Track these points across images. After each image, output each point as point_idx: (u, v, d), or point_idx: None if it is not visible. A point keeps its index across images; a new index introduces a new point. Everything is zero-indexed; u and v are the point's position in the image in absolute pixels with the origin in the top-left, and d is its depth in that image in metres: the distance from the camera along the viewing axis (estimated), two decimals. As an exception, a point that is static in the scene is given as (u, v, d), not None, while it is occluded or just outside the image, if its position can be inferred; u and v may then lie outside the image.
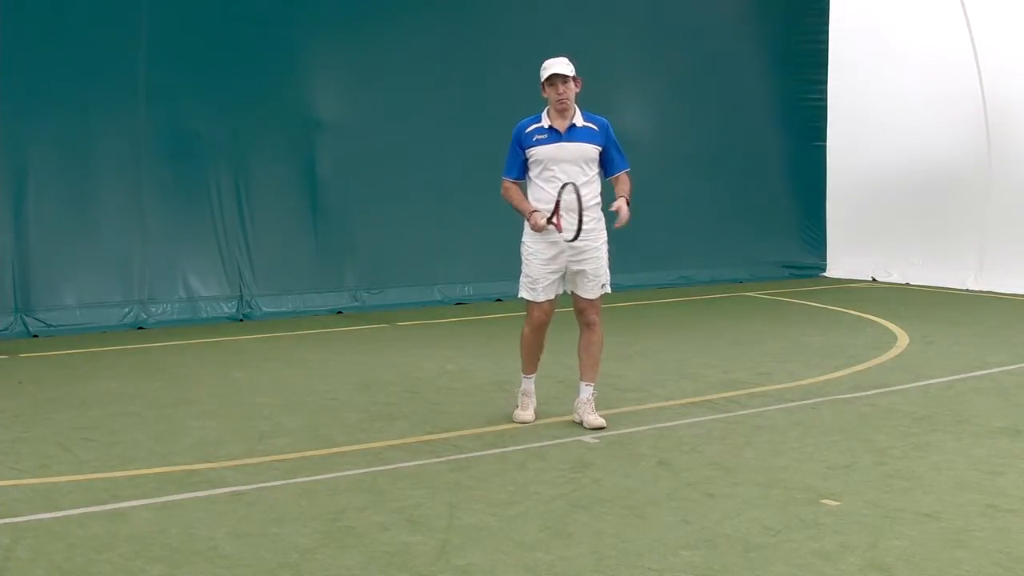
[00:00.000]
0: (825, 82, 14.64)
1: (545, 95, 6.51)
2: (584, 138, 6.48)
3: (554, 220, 6.37)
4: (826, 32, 14.59)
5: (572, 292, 6.63)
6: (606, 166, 6.60)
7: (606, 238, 6.63)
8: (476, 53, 12.37)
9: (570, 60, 6.52)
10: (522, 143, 6.51)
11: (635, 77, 13.69)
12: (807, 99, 14.71)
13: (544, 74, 6.45)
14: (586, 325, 6.65)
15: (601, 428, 6.51)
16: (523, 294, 6.63)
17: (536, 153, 6.47)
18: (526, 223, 6.53)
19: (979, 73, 13.02)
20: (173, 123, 10.84)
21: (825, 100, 14.67)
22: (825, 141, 14.73)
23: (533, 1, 12.94)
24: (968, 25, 12.99)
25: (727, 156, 14.33)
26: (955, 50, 13.15)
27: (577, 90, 6.50)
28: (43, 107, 10.15)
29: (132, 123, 10.61)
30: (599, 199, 6.55)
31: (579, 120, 6.50)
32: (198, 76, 10.86)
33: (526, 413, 6.70)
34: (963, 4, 12.97)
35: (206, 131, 10.98)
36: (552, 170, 6.44)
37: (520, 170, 6.57)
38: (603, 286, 6.62)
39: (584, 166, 6.47)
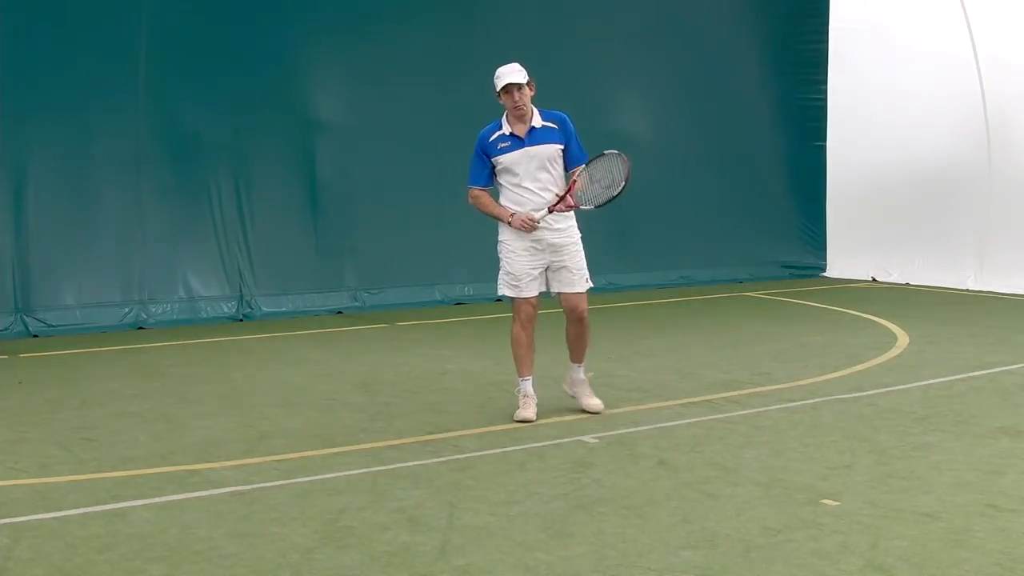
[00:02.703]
0: (825, 82, 14.65)
1: (502, 102, 6.67)
2: (545, 139, 6.67)
3: (558, 205, 6.54)
4: (826, 32, 14.60)
5: (558, 293, 6.79)
6: (566, 160, 6.76)
7: (579, 234, 6.82)
8: (476, 54, 12.33)
9: (521, 65, 6.67)
10: (488, 152, 6.70)
11: (635, 77, 13.68)
12: (807, 99, 14.72)
13: (498, 84, 6.62)
14: (577, 320, 6.81)
15: (599, 412, 6.80)
16: (504, 292, 6.82)
17: (502, 161, 6.67)
18: (501, 224, 6.73)
19: (979, 73, 13.01)
20: (173, 123, 10.85)
21: (825, 100, 14.69)
22: (825, 141, 14.74)
23: (534, 2, 12.94)
24: (968, 25, 12.99)
25: (727, 156, 14.34)
26: (955, 50, 13.15)
27: (532, 93, 6.67)
28: (43, 107, 10.16)
29: (132, 123, 10.62)
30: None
31: (537, 121, 6.69)
32: (198, 76, 10.87)
33: (527, 412, 6.72)
34: (963, 4, 12.96)
35: (206, 131, 10.99)
36: (519, 175, 6.65)
37: (488, 178, 6.78)
38: (586, 280, 6.80)
39: (549, 166, 6.67)
